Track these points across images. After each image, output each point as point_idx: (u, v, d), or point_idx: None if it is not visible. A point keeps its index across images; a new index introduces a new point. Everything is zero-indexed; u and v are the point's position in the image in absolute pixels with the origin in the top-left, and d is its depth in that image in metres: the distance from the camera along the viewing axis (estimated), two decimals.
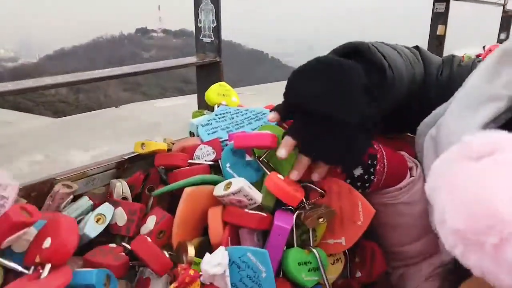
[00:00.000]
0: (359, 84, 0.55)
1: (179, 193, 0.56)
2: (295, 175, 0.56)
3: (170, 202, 0.62)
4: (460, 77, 0.65)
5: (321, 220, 0.55)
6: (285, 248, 0.55)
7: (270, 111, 0.60)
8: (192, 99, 0.84)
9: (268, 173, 0.57)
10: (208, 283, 0.47)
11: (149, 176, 0.65)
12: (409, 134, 0.77)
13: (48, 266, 0.37)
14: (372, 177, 0.59)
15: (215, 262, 0.47)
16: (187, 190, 0.54)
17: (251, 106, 0.76)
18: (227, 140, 0.66)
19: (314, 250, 0.56)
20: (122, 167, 0.65)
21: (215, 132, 0.69)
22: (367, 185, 0.60)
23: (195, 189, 0.55)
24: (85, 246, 0.52)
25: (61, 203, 0.54)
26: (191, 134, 0.73)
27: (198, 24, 0.82)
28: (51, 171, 0.61)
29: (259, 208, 0.57)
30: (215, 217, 0.54)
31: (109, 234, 0.55)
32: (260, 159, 0.60)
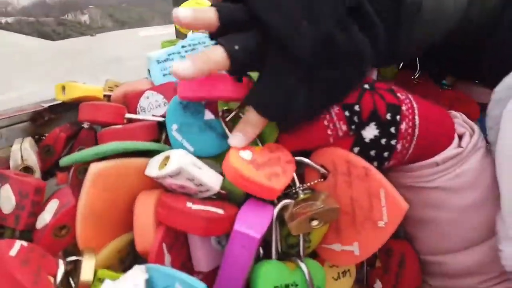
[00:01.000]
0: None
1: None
2: (237, 140, 0.35)
3: None
4: None
5: (315, 223, 0.34)
6: (254, 262, 0.35)
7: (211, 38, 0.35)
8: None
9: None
10: None
11: (81, 132, 0.46)
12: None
13: None
14: (393, 142, 0.36)
15: None
16: (95, 168, 0.33)
17: None
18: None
19: (303, 266, 0.35)
20: (41, 119, 0.46)
21: (167, 61, 0.46)
22: (385, 155, 0.37)
23: (111, 165, 0.34)
24: None
25: None
26: (149, 72, 0.51)
27: None
28: None
29: (219, 196, 0.36)
30: (144, 210, 0.34)
31: None
32: (226, 119, 0.38)
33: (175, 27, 0.64)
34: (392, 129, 0.36)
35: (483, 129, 0.40)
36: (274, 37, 0.32)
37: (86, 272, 0.30)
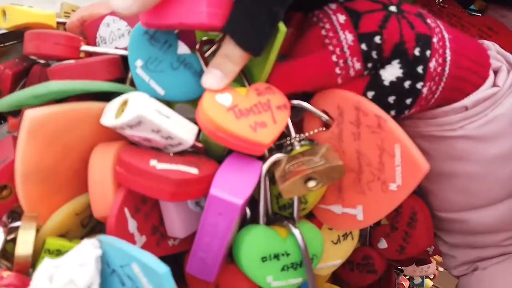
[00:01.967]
0: None
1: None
2: (212, 79, 0.28)
3: None
4: None
5: (311, 184, 0.27)
6: (237, 228, 0.29)
7: None
8: None
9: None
10: None
11: (33, 69, 0.38)
12: None
13: None
14: (419, 85, 0.29)
15: (62, 280, 0.22)
16: (30, 114, 0.26)
17: None
18: None
19: (296, 233, 0.29)
20: None
21: None
22: (407, 102, 0.29)
23: (53, 111, 0.27)
24: None
25: None
26: None
27: None
28: None
29: (197, 149, 0.29)
30: (100, 168, 0.27)
31: None
32: (205, 53, 0.30)
33: None
34: (420, 69, 0.28)
35: None
36: None
37: (24, 244, 0.24)
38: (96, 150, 0.28)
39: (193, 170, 0.26)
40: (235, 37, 0.27)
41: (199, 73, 0.31)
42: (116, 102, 0.27)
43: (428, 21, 0.29)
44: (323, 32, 0.29)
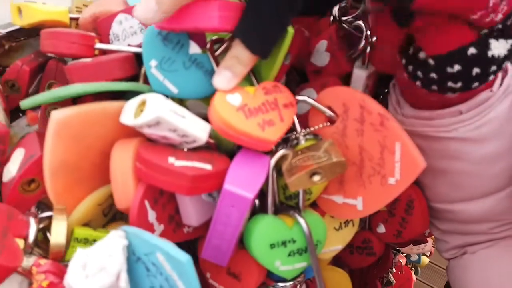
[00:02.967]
0: None
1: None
2: (222, 79, 0.30)
3: None
4: None
5: (316, 178, 0.29)
6: (248, 217, 0.32)
7: None
8: None
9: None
10: None
11: (47, 64, 0.39)
12: None
13: None
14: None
15: (99, 263, 0.25)
16: (56, 115, 0.28)
17: None
18: None
19: (302, 222, 0.32)
20: (2, 48, 0.39)
21: None
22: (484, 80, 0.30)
23: (75, 112, 0.29)
24: None
25: None
26: None
27: None
28: None
29: (207, 146, 0.31)
30: (122, 163, 0.30)
31: None
32: (215, 52, 0.31)
33: None
34: None
35: None
36: None
37: (58, 235, 0.27)
38: (117, 146, 0.30)
39: (207, 166, 0.29)
40: (244, 41, 0.28)
41: (210, 72, 0.32)
42: (134, 102, 0.29)
43: None
44: None
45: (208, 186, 0.29)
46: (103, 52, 0.36)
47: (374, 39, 0.37)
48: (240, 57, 0.29)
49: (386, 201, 0.32)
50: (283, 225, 0.32)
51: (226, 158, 0.31)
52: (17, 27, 0.39)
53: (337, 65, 0.39)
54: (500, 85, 0.32)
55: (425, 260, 1.01)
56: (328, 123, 0.33)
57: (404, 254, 0.92)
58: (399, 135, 0.29)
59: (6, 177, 0.31)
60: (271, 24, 0.27)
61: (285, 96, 0.32)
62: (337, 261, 0.45)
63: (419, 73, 0.31)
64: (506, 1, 0.27)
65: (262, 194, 0.33)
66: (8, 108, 0.37)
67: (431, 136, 0.33)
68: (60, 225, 0.27)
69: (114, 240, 0.26)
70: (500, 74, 0.32)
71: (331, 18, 0.40)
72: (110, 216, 0.34)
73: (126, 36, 0.36)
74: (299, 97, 0.33)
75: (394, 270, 0.76)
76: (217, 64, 0.31)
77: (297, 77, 0.44)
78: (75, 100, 0.34)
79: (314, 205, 0.36)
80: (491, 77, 0.30)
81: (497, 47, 0.29)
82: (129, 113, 0.29)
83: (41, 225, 0.29)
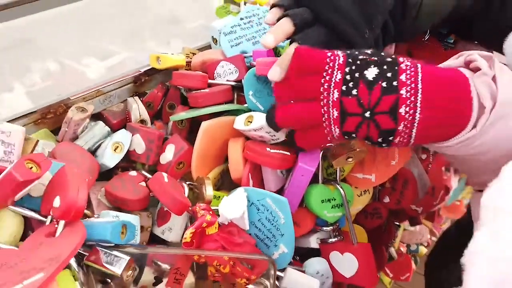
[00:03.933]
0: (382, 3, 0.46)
1: (201, 119, 0.52)
2: (269, 40, 0.45)
3: (193, 125, 0.58)
4: None
5: (350, 159, 0.51)
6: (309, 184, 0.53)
7: (271, 8, 0.48)
8: None
9: None
10: (227, 224, 0.47)
11: (168, 91, 0.61)
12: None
13: (62, 223, 0.37)
14: (390, 137, 0.38)
15: (233, 205, 0.46)
16: (204, 125, 0.49)
17: None
18: (251, 56, 0.57)
19: (340, 188, 0.53)
20: (140, 81, 0.60)
21: (239, 43, 0.60)
22: (384, 145, 0.40)
23: (213, 123, 0.50)
24: (106, 171, 0.52)
25: (77, 129, 0.52)
26: (214, 39, 0.64)
27: None
28: (65, 85, 0.58)
29: (283, 142, 0.53)
30: (235, 152, 0.51)
31: (128, 159, 0.54)
32: None
33: None
34: (384, 145, 0.40)
35: None
36: (340, 34, 0.45)
37: (209, 190, 0.48)
38: (231, 141, 0.51)
39: (287, 153, 0.50)
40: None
41: None
42: (243, 117, 0.50)
43: (401, 85, 0.37)
44: (322, 110, 0.39)
45: (286, 164, 0.50)
46: (210, 84, 0.57)
47: None
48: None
49: (391, 175, 0.53)
50: (328, 189, 0.53)
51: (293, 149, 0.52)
52: (150, 67, 0.60)
53: None
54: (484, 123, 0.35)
55: (422, 250, 1.19)
56: None
57: (405, 244, 1.12)
58: None
59: (164, 161, 0.52)
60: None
61: None
62: (357, 223, 0.66)
63: None
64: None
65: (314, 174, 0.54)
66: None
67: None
68: (209, 185, 0.48)
69: (241, 192, 0.47)
70: (488, 107, 0.35)
71: None
72: (219, 185, 0.55)
73: (225, 74, 0.57)
74: None
75: (396, 244, 0.95)
76: None
77: None
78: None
79: (343, 181, 0.57)
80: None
81: None
82: (240, 123, 0.50)
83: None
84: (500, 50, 0.48)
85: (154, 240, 0.51)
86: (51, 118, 0.53)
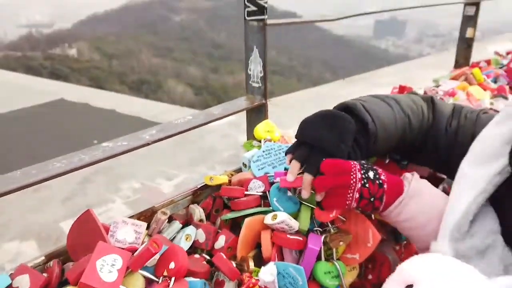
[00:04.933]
0: (349, 129, 0.77)
1: (239, 219, 0.80)
2: (290, 178, 0.77)
3: (232, 221, 0.85)
4: (467, 129, 0.83)
5: (341, 243, 0.78)
6: (315, 261, 0.78)
7: (286, 154, 0.81)
8: (239, 117, 1.05)
9: (311, 206, 0.79)
10: (263, 287, 0.71)
11: (215, 200, 0.89)
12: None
13: (173, 279, 0.62)
14: (376, 210, 0.78)
15: (268, 273, 0.71)
16: (246, 221, 0.77)
17: None
18: (273, 175, 0.88)
19: (336, 263, 0.79)
20: (197, 194, 0.89)
21: (263, 168, 0.91)
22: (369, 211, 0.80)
23: (252, 219, 0.78)
24: None
25: (161, 226, 0.79)
26: (244, 164, 0.96)
27: (248, 72, 1.02)
28: (148, 198, 0.87)
29: (297, 231, 0.80)
30: (266, 239, 0.78)
31: (192, 247, 0.80)
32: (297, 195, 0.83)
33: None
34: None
35: None
36: (323, 150, 0.76)
37: (251, 265, 0.73)
38: (263, 232, 0.78)
39: (300, 238, 0.77)
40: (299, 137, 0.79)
41: (295, 201, 0.82)
42: (270, 215, 0.78)
43: (381, 182, 0.80)
44: (349, 194, 0.75)
45: (300, 245, 0.76)
46: (246, 195, 0.86)
47: None
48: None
49: (368, 254, 0.79)
50: (328, 265, 0.78)
51: (304, 235, 0.79)
52: (203, 183, 0.90)
53: None
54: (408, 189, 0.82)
55: None
56: (343, 223, 0.83)
57: None
58: (370, 225, 0.79)
59: (217, 246, 0.78)
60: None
61: None
62: None
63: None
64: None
65: (318, 255, 0.81)
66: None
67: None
68: (251, 261, 0.74)
69: (271, 266, 0.73)
70: (409, 178, 0.81)
71: None
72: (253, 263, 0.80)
73: (255, 188, 0.87)
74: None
75: None
76: (299, 199, 0.82)
77: None
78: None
79: (338, 259, 0.83)
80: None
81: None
82: (268, 219, 0.78)
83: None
84: (440, 171, 0.82)
85: None
86: (142, 219, 0.80)
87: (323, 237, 0.79)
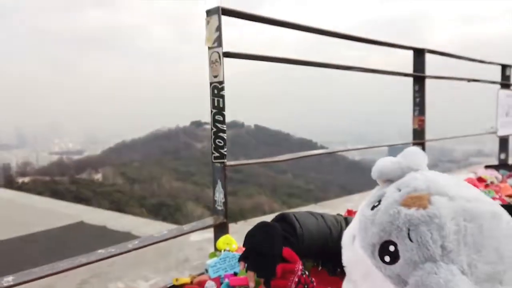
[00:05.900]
0: (279, 236, 1.05)
1: None
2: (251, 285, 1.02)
3: None
4: None
5: None
6: None
7: (239, 261, 1.09)
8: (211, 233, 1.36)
9: None
10: None
11: None
12: None
13: None
14: None
15: None
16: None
17: None
18: (224, 277, 1.15)
19: None
20: None
21: (218, 272, 1.19)
22: None
23: None
24: None
25: None
26: (206, 270, 1.23)
27: (214, 198, 1.37)
28: None
29: None
30: None
31: None
32: None
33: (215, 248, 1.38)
34: None
35: None
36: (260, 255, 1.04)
37: None
38: None
39: None
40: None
41: None
42: None
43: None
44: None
45: None
46: None
47: None
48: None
49: None
50: None
51: None
52: (171, 284, 1.17)
53: None
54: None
55: None
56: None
57: None
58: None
59: None
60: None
61: None
62: None
63: None
64: None
65: None
66: None
67: None
68: None
69: None
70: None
71: None
72: None
73: (210, 287, 1.13)
74: None
75: None
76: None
77: None
78: None
79: None
80: None
81: None
82: None
83: None
84: None
85: None
86: None
87: None
